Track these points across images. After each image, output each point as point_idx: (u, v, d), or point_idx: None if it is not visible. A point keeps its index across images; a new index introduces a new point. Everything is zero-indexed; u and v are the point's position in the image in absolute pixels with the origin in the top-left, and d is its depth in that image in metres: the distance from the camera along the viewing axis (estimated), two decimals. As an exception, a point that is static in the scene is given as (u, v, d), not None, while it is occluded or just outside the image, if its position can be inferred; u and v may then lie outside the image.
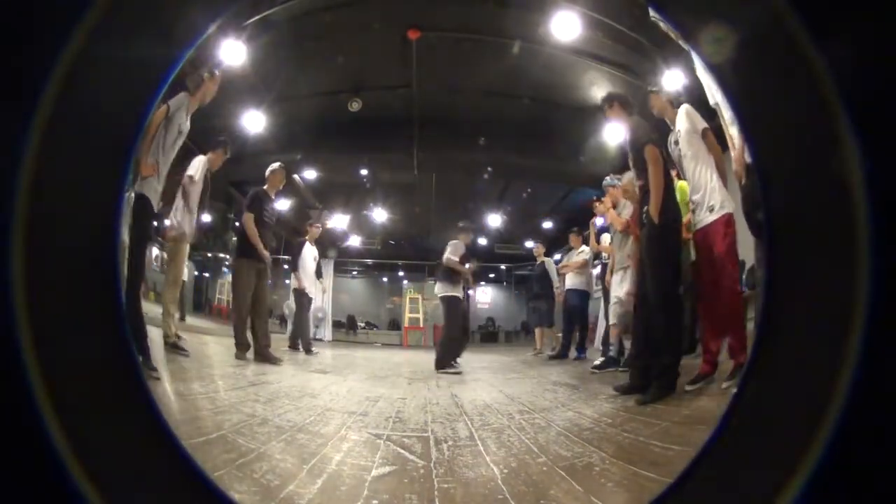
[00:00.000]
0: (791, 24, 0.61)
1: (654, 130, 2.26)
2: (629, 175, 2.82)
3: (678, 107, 2.23)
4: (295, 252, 3.89)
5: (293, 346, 3.77)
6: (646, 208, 2.13)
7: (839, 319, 0.61)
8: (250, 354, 2.78)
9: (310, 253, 3.95)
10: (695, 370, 2.01)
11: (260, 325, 2.96)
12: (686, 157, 2.17)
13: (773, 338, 0.70)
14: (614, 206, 3.17)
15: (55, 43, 0.62)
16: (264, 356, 2.82)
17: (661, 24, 2.15)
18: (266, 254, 2.95)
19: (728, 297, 2.01)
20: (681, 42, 2.06)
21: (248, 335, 2.83)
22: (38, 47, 0.62)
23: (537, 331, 4.30)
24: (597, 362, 3.16)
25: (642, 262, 2.24)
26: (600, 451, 1.39)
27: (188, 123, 2.25)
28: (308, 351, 3.78)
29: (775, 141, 0.70)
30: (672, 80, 2.27)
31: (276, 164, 3.10)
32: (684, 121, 2.19)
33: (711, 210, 2.07)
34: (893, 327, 0.59)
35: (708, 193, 2.10)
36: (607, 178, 3.23)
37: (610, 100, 2.42)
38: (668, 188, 2.14)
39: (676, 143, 2.22)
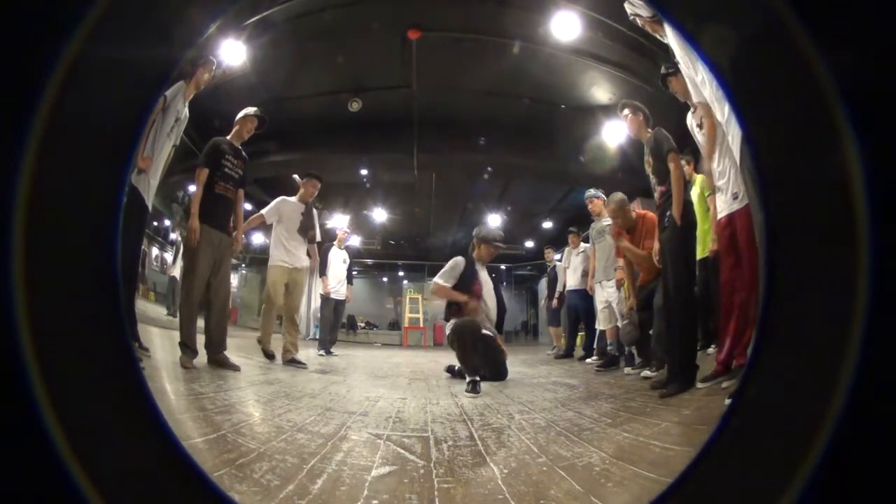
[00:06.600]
0: (791, 24, 0.61)
1: (673, 139, 2.32)
2: (616, 197, 2.89)
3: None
4: (322, 256, 3.94)
5: (326, 351, 3.87)
6: (669, 213, 2.23)
7: (839, 319, 0.61)
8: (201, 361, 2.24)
9: (338, 256, 4.07)
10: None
11: (215, 323, 2.34)
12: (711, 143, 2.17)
13: (773, 338, 0.70)
14: (598, 215, 3.24)
15: (55, 43, 0.62)
16: (218, 362, 2.29)
17: (639, 20, 2.18)
18: (195, 224, 2.30)
19: (749, 290, 1.98)
20: (659, 36, 2.11)
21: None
22: (38, 47, 0.62)
23: (553, 330, 4.34)
24: (599, 361, 3.22)
25: (663, 263, 2.30)
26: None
27: (186, 111, 2.15)
28: (326, 352, 3.87)
29: (775, 141, 0.70)
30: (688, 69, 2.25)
31: (250, 109, 2.67)
32: (706, 107, 2.15)
33: (736, 198, 2.05)
34: (893, 327, 0.59)
35: (732, 181, 2.07)
36: (591, 190, 3.28)
37: (634, 110, 2.47)
38: (687, 192, 2.26)
39: (700, 126, 2.19)
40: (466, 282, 2.89)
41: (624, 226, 2.85)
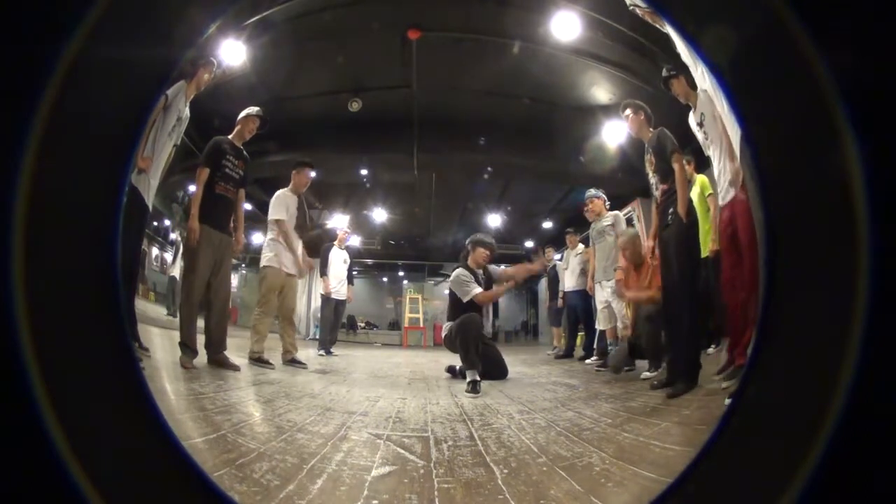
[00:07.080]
0: (791, 24, 0.61)
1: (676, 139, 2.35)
2: (630, 232, 2.94)
3: (695, 89, 2.25)
4: (323, 256, 3.95)
5: (326, 351, 3.87)
6: (671, 210, 2.28)
7: (839, 319, 0.61)
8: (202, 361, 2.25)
9: (339, 256, 4.06)
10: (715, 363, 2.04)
11: (215, 323, 2.33)
12: (711, 140, 2.19)
13: (773, 338, 0.70)
14: (598, 215, 3.25)
15: (55, 43, 0.62)
16: (218, 363, 2.31)
17: (638, 10, 2.19)
18: (195, 225, 2.30)
19: (749, 289, 1.99)
20: (658, 26, 2.12)
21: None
22: (38, 47, 0.62)
23: (555, 330, 4.36)
24: (599, 361, 3.23)
25: (667, 260, 2.32)
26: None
27: (188, 111, 2.13)
28: (326, 352, 3.87)
29: (775, 140, 0.70)
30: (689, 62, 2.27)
31: (252, 109, 2.63)
32: (707, 103, 2.19)
33: (735, 192, 2.08)
34: (893, 327, 0.59)
35: (731, 178, 2.10)
36: (591, 189, 3.30)
37: (636, 109, 2.49)
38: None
39: (700, 125, 2.23)
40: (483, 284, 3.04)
41: (632, 260, 2.87)
